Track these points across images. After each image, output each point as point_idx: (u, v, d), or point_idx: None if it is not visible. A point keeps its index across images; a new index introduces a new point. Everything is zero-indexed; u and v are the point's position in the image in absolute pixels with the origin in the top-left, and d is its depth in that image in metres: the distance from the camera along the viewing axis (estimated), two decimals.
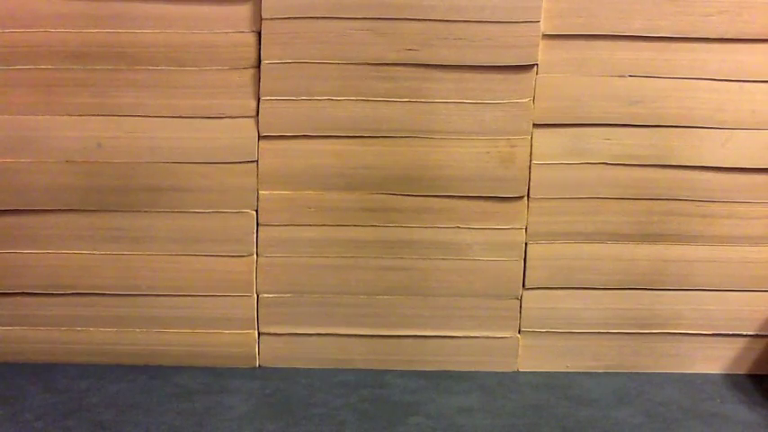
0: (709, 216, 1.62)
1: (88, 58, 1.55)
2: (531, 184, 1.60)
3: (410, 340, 1.66)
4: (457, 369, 1.66)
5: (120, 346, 1.65)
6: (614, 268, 1.64)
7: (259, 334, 1.66)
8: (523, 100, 1.57)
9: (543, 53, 1.56)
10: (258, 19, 1.54)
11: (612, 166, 1.60)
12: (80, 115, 1.57)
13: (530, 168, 1.60)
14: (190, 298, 1.63)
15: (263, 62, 1.55)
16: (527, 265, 1.64)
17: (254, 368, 1.66)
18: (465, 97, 1.57)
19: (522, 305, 1.65)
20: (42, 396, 1.52)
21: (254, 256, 1.62)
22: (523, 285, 1.64)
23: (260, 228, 1.62)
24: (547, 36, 1.55)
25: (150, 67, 1.55)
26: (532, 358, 1.67)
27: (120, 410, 1.47)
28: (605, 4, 1.53)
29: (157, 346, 1.65)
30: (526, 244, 1.63)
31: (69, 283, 1.63)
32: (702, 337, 1.67)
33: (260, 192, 1.60)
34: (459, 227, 1.62)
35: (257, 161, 1.59)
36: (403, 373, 1.64)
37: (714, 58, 1.56)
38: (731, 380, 1.66)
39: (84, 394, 1.53)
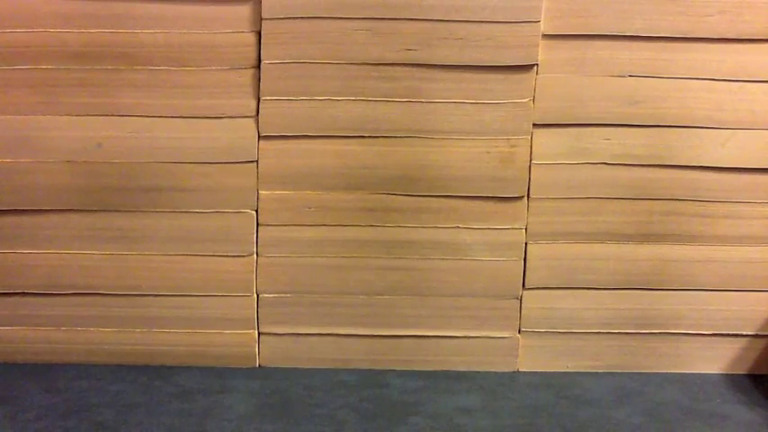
0: (709, 216, 1.62)
1: (88, 58, 1.55)
2: (531, 184, 1.60)
3: (410, 340, 1.66)
4: (457, 369, 1.66)
5: (120, 346, 1.65)
6: (614, 268, 1.64)
7: (259, 334, 1.66)
8: (523, 100, 1.57)
9: (543, 53, 1.56)
10: (258, 19, 1.54)
11: (612, 166, 1.60)
12: (80, 115, 1.57)
13: (530, 168, 1.60)
14: (190, 298, 1.63)
15: (263, 62, 1.55)
16: (527, 265, 1.64)
17: (254, 368, 1.66)
18: (465, 97, 1.57)
19: (522, 305, 1.65)
20: (42, 396, 1.52)
21: (254, 256, 1.62)
22: (523, 285, 1.64)
23: (260, 228, 1.62)
24: (547, 36, 1.55)
25: (150, 67, 1.55)
26: (532, 358, 1.67)
27: (120, 410, 1.47)
28: (605, 4, 1.53)
29: (157, 346, 1.65)
30: (526, 244, 1.63)
31: (69, 283, 1.63)
32: (702, 337, 1.67)
33: (260, 192, 1.60)
34: (459, 227, 1.62)
35: (257, 161, 1.59)
36: (403, 373, 1.64)
37: (714, 59, 1.56)
38: (731, 380, 1.66)
39: (84, 394, 1.53)
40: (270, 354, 1.66)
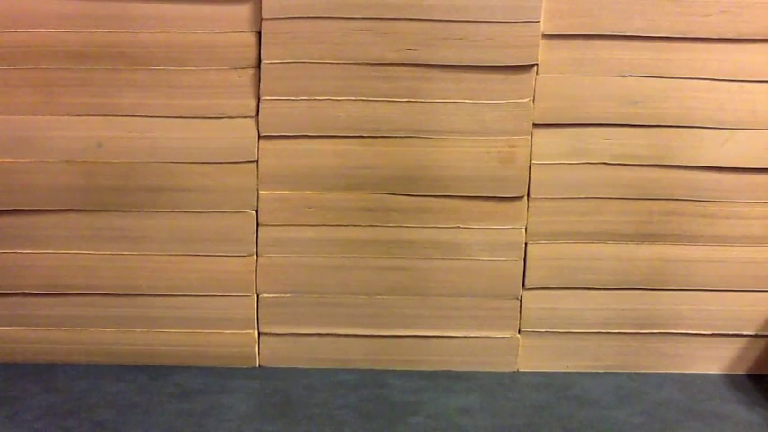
0: (709, 216, 1.62)
1: (88, 58, 1.55)
2: (531, 184, 1.60)
3: (410, 340, 1.66)
4: (457, 369, 1.66)
5: (120, 346, 1.65)
6: (614, 268, 1.64)
7: (259, 334, 1.66)
8: (523, 100, 1.57)
9: (543, 53, 1.56)
10: (258, 19, 1.54)
11: (612, 166, 1.60)
12: (80, 115, 1.57)
13: (530, 168, 1.60)
14: (190, 298, 1.63)
15: (263, 62, 1.55)
16: (527, 265, 1.64)
17: (254, 368, 1.66)
18: (465, 97, 1.57)
19: (522, 305, 1.65)
20: (42, 396, 1.52)
21: (254, 256, 1.62)
22: (523, 285, 1.64)
23: (260, 228, 1.62)
24: (547, 36, 1.55)
25: (150, 67, 1.55)
26: (532, 358, 1.67)
27: (120, 410, 1.47)
28: (605, 4, 1.53)
29: (157, 346, 1.65)
30: (526, 244, 1.63)
31: (69, 283, 1.63)
32: (702, 337, 1.67)
33: (260, 192, 1.60)
34: (459, 227, 1.62)
35: (257, 161, 1.59)
36: (403, 373, 1.64)
37: (714, 58, 1.56)
38: (731, 380, 1.66)
39: (84, 394, 1.53)
40: (270, 354, 1.66)
